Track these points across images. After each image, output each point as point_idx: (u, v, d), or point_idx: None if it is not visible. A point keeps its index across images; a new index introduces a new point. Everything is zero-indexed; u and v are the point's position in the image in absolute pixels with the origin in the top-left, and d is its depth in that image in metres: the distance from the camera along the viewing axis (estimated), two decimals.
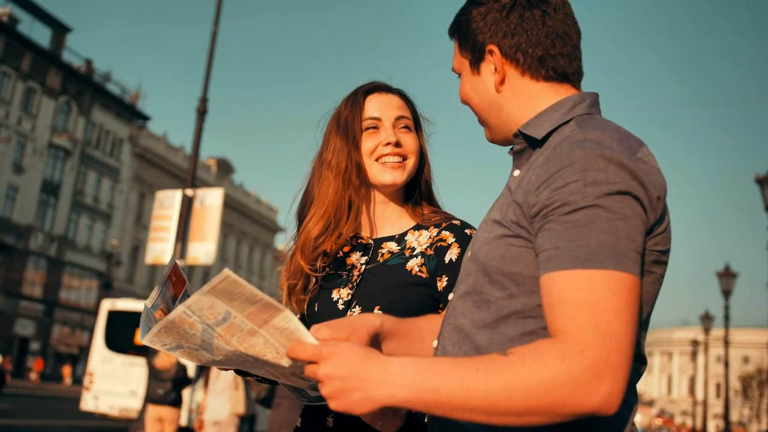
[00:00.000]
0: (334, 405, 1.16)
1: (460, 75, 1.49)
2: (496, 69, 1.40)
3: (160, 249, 13.65)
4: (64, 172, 39.99)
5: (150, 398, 9.67)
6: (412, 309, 1.69)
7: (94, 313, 34.68)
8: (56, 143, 39.13)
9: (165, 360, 9.55)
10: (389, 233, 1.89)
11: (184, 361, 9.54)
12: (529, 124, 1.36)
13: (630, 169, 1.16)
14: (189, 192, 13.11)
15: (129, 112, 44.79)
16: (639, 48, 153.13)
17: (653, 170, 1.22)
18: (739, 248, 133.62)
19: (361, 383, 1.14)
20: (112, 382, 14.46)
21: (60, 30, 40.88)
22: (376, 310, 1.72)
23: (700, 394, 72.75)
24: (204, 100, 13.25)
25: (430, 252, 1.80)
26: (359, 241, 1.91)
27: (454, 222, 1.85)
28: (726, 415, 31.75)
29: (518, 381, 1.08)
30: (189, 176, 13.29)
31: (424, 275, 1.77)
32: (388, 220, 1.91)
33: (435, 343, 1.41)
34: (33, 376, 35.03)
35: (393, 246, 1.85)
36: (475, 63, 1.43)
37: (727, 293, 26.60)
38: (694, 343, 54.61)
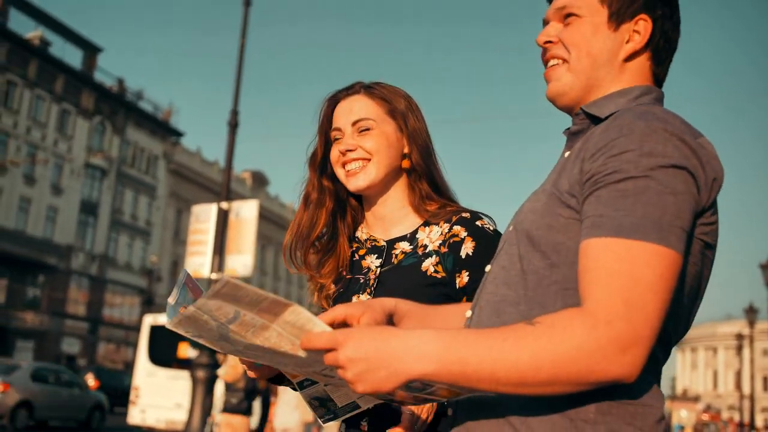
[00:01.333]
0: (360, 388, 1.13)
1: (570, 17, 1.39)
2: (630, 39, 1.35)
3: (198, 263, 13.77)
4: (101, 191, 40.66)
5: (224, 407, 10.31)
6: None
7: (137, 328, 35.09)
8: (92, 163, 39.83)
9: (232, 373, 10.07)
10: (400, 233, 1.87)
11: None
12: (593, 105, 1.34)
13: (690, 145, 1.15)
14: (224, 205, 13.23)
15: (162, 128, 45.38)
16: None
17: (713, 156, 1.20)
18: None
19: (384, 360, 1.11)
20: (157, 395, 14.67)
21: (91, 51, 41.59)
22: None
23: (746, 388, 71.27)
24: (235, 113, 13.36)
25: (444, 250, 1.78)
26: (373, 243, 1.90)
27: (464, 215, 1.82)
28: None
29: (547, 350, 1.07)
30: (224, 189, 13.42)
31: (440, 275, 1.76)
32: (393, 219, 1.89)
33: (468, 313, 1.39)
34: None
35: (405, 246, 1.84)
36: (618, 18, 1.35)
37: None
38: (739, 336, 53.53)
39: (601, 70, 1.36)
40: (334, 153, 1.86)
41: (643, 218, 1.11)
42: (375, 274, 1.84)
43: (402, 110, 1.87)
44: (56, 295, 37.07)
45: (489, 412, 1.24)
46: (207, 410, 11.13)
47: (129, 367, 35.82)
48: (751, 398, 45.08)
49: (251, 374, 1.62)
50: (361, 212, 1.96)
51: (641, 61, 1.37)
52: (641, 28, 1.35)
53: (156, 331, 15.41)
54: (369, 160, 1.82)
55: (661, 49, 1.37)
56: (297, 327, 1.19)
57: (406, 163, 1.86)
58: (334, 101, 1.90)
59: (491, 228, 1.81)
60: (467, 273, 1.75)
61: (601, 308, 1.08)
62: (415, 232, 1.85)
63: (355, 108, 1.85)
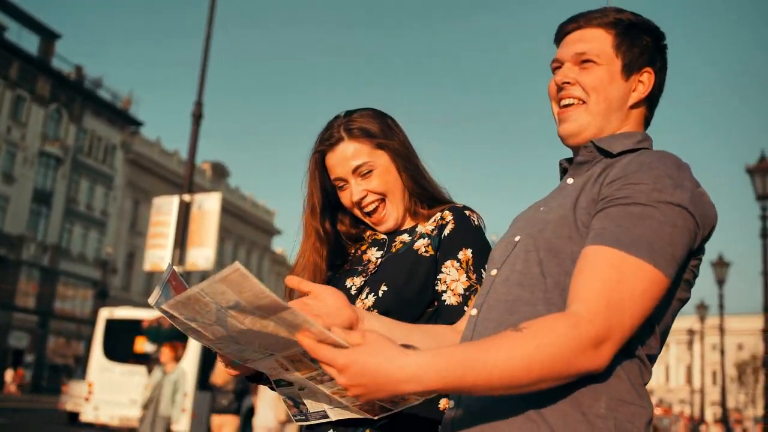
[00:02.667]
0: (362, 401, 1.26)
1: (587, 62, 1.52)
2: (635, 89, 1.52)
3: (158, 255, 13.56)
4: (55, 181, 39.84)
5: (214, 408, 11.17)
6: (415, 282, 1.83)
7: (90, 322, 34.55)
8: (47, 151, 38.99)
9: (223, 375, 10.50)
10: (401, 228, 1.99)
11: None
12: (603, 141, 1.49)
13: (695, 196, 1.32)
14: (186, 197, 13.05)
15: (121, 118, 44.67)
16: None
17: (710, 204, 1.36)
18: (731, 238, 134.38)
19: (383, 386, 1.19)
20: (112, 391, 14.39)
21: (48, 37, 40.72)
22: (382, 287, 1.83)
23: (697, 383, 73.10)
24: (199, 104, 13.20)
25: (434, 233, 1.90)
26: (375, 238, 2.01)
27: (456, 205, 1.94)
28: (723, 402, 31.91)
29: (537, 353, 1.18)
30: (186, 181, 13.23)
31: (429, 253, 1.87)
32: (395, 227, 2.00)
33: (474, 311, 1.48)
34: (12, 388, 33.66)
35: (405, 237, 1.95)
36: (629, 70, 1.51)
37: (720, 282, 26.76)
38: (690, 332, 54.85)
39: (614, 115, 1.51)
40: (346, 201, 1.97)
41: (640, 237, 1.26)
42: (375, 264, 1.94)
43: (382, 138, 1.95)
44: (4, 286, 36.18)
45: (498, 403, 1.31)
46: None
47: (80, 361, 35.25)
48: (702, 392, 46.28)
49: (230, 372, 1.67)
50: (360, 226, 2.07)
51: (641, 109, 1.55)
52: (645, 79, 1.53)
53: (112, 325, 15.12)
54: (384, 197, 1.94)
55: (655, 98, 1.57)
56: (294, 325, 1.24)
57: (405, 184, 1.97)
58: (320, 155, 1.97)
59: (475, 221, 1.91)
60: (440, 252, 1.87)
61: (585, 307, 1.21)
62: (415, 226, 1.97)
63: (348, 155, 1.93)
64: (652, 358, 1.37)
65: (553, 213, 1.42)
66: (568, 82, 1.52)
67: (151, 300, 1.45)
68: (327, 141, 1.96)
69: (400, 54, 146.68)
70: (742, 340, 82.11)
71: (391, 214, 1.94)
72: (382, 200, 1.94)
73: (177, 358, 10.45)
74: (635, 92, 1.52)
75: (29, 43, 39.18)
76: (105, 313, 15.66)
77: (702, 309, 38.69)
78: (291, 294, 1.87)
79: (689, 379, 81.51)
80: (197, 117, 13.05)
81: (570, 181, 1.50)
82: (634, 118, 1.54)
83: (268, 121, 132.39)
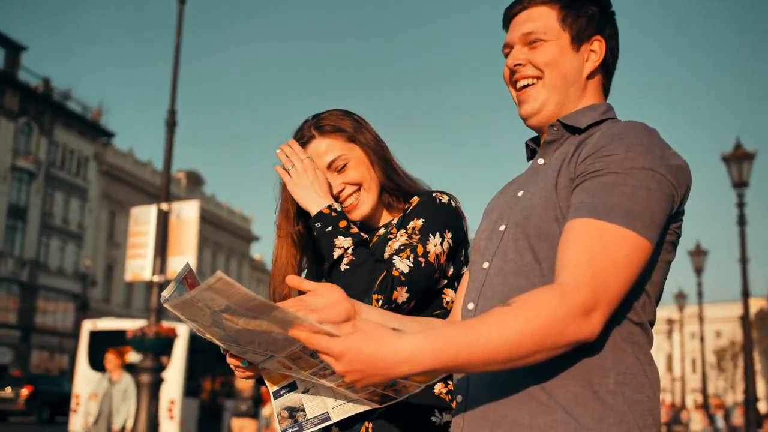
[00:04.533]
0: (360, 386, 1.26)
1: (536, 42, 1.52)
2: (588, 59, 1.52)
3: (138, 266, 13.51)
4: (30, 195, 39.34)
5: (234, 413, 12.16)
6: None
7: (72, 335, 34.26)
8: (19, 166, 38.51)
9: (243, 382, 10.90)
10: (379, 224, 2.04)
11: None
12: (569, 117, 1.50)
13: (667, 157, 1.33)
14: (164, 206, 13.03)
15: (92, 129, 44.16)
16: None
17: (685, 167, 1.37)
18: (709, 226, 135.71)
19: (378, 370, 1.21)
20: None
21: (14, 49, 40.14)
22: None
23: (677, 371, 73.75)
24: (172, 113, 13.09)
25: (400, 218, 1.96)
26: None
27: (429, 190, 1.98)
28: (704, 389, 32.28)
29: (527, 326, 1.19)
30: (163, 191, 13.19)
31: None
32: (375, 216, 2.03)
33: (471, 305, 1.47)
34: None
35: (381, 231, 2.00)
36: (578, 41, 1.52)
37: (699, 271, 27.09)
38: (669, 321, 55.32)
39: (571, 88, 1.52)
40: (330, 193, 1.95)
41: (617, 205, 1.27)
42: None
43: (353, 132, 1.98)
44: None
45: (508, 390, 1.33)
46: (153, 415, 10.96)
47: (65, 374, 34.93)
48: (682, 380, 46.69)
49: (239, 374, 1.68)
50: None
51: (597, 78, 1.55)
52: (597, 47, 1.53)
53: (96, 336, 15.07)
54: (359, 189, 1.96)
55: (610, 65, 1.56)
56: (285, 323, 1.27)
57: (379, 179, 1.99)
58: (303, 143, 1.98)
59: (444, 200, 1.92)
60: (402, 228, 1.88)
61: (571, 277, 1.23)
62: (392, 220, 2.02)
63: (321, 151, 1.96)
64: (651, 323, 1.39)
65: (536, 197, 1.42)
66: (520, 64, 1.53)
67: (165, 293, 1.46)
68: (299, 141, 1.98)
69: (368, 62, 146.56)
70: (720, 327, 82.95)
71: (365, 201, 1.96)
72: (358, 190, 1.96)
73: (123, 365, 10.11)
74: (588, 62, 1.52)
75: None
76: (88, 325, 15.62)
77: (681, 298, 38.98)
78: (274, 295, 1.94)
79: (670, 368, 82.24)
80: (171, 125, 12.98)
81: (541, 161, 1.52)
82: (593, 89, 1.54)
83: (240, 129, 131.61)
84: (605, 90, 1.58)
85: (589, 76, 1.53)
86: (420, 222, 1.87)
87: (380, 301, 1.75)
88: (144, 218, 13.91)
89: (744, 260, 15.43)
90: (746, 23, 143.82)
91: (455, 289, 1.90)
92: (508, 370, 1.25)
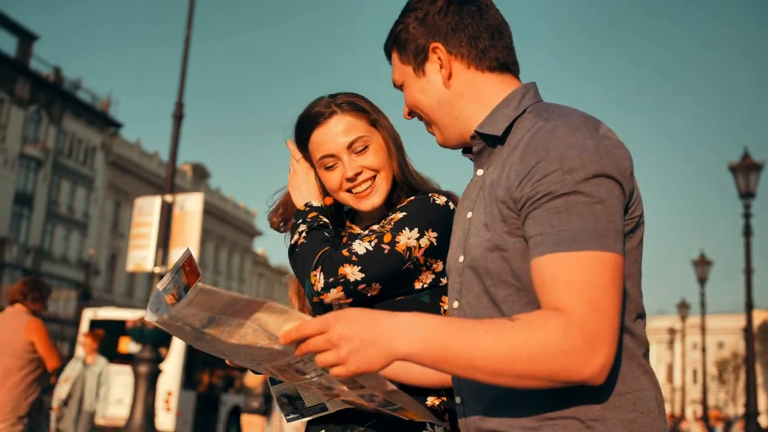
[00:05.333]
0: (352, 367, 1.19)
1: (402, 87, 1.54)
2: (441, 66, 1.45)
3: (141, 256, 13.54)
4: (36, 183, 39.45)
5: (244, 409, 12.35)
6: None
7: (73, 323, 34.27)
8: (28, 153, 38.61)
9: (255, 379, 11.04)
10: (374, 220, 1.94)
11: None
12: (485, 124, 1.42)
13: (602, 150, 1.24)
14: (168, 198, 13.04)
15: (101, 119, 44.25)
16: (606, 34, 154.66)
17: (618, 144, 1.29)
18: (713, 236, 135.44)
19: (376, 337, 1.19)
20: None
21: (26, 38, 40.26)
22: None
23: (678, 381, 73.54)
24: (180, 105, 13.14)
25: None
26: (351, 233, 1.97)
27: (435, 189, 1.90)
28: (704, 400, 32.18)
29: (524, 346, 1.15)
30: (168, 182, 13.22)
31: None
32: (373, 216, 1.94)
33: None
34: None
35: (375, 227, 1.86)
36: (419, 65, 1.48)
37: (702, 281, 27.02)
38: (671, 331, 55.20)
39: (451, 108, 1.46)
40: (335, 181, 1.86)
41: (580, 230, 1.20)
42: None
43: (374, 115, 1.89)
44: None
45: (504, 414, 1.30)
46: (150, 406, 10.95)
47: (65, 362, 34.96)
48: (682, 390, 46.60)
49: (229, 362, 1.66)
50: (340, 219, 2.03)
51: (473, 74, 1.45)
52: (438, 54, 1.46)
53: (96, 325, 15.08)
54: (375, 177, 1.86)
55: (473, 51, 1.45)
56: (273, 320, 1.23)
57: (395, 169, 1.90)
58: (303, 138, 1.90)
59: (438, 201, 1.83)
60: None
61: (570, 312, 1.17)
62: (387, 214, 1.89)
63: (341, 129, 1.84)
64: (641, 315, 1.35)
65: (481, 231, 1.36)
66: (410, 112, 1.55)
67: (159, 286, 1.39)
68: (315, 118, 1.86)
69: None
70: (723, 338, 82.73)
71: (379, 190, 1.86)
72: (374, 177, 1.86)
73: (98, 349, 9.91)
74: (441, 71, 1.46)
75: (6, 44, 38.81)
76: (89, 314, 15.67)
77: (683, 308, 38.88)
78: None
79: (670, 378, 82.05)
80: (178, 118, 13.01)
81: (480, 172, 1.46)
82: (483, 82, 1.46)
83: (248, 123, 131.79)
84: (505, 67, 1.48)
85: (461, 79, 1.46)
86: (399, 215, 1.80)
87: (320, 275, 1.70)
88: (148, 209, 13.93)
89: (749, 271, 15.37)
90: (757, 32, 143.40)
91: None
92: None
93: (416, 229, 1.77)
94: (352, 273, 1.70)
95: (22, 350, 5.44)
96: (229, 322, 1.24)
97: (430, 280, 1.82)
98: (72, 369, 9.66)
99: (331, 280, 1.70)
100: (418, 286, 1.81)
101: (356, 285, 1.71)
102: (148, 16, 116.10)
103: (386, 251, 1.73)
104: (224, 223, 55.72)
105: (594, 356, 1.15)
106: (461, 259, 1.41)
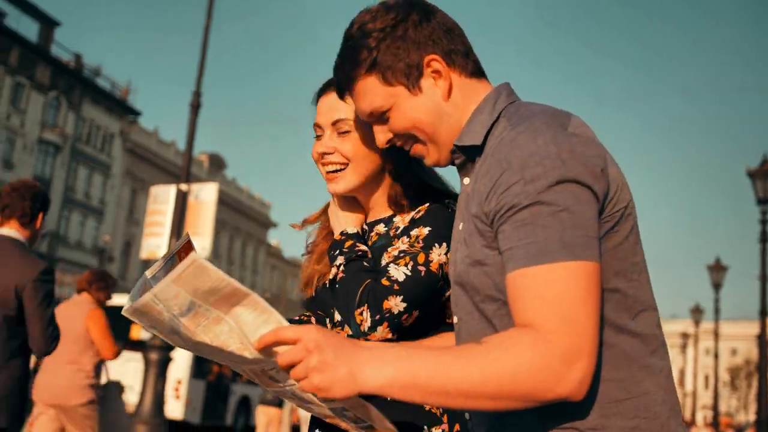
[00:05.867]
0: (316, 380, 1.16)
1: (386, 113, 1.44)
2: (438, 78, 1.40)
3: (154, 244, 13.61)
4: (54, 168, 39.78)
5: (261, 401, 12.62)
6: None
7: None
8: (46, 138, 38.93)
9: None
10: (379, 215, 1.88)
11: None
12: (464, 134, 1.38)
13: (565, 153, 1.19)
14: (183, 187, 13.08)
15: (119, 107, 44.55)
16: (622, 36, 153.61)
17: (588, 141, 1.24)
18: (729, 241, 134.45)
19: (347, 356, 1.16)
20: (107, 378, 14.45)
21: (48, 24, 40.59)
22: None
23: (689, 386, 73.20)
24: (197, 95, 13.15)
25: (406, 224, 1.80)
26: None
27: (449, 191, 1.84)
28: (715, 406, 31.98)
29: (493, 367, 1.12)
30: (183, 171, 13.25)
31: None
32: (374, 206, 1.88)
33: None
34: None
35: (381, 227, 1.85)
36: (414, 82, 1.40)
37: (717, 286, 26.79)
38: (684, 335, 54.91)
39: (443, 124, 1.41)
40: (314, 151, 1.83)
41: (546, 241, 1.16)
42: None
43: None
44: None
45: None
46: (159, 393, 10.99)
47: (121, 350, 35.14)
48: (693, 396, 46.36)
49: None
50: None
51: (464, 81, 1.42)
52: (434, 67, 1.40)
53: (107, 312, 15.15)
54: (347, 164, 1.79)
55: (459, 57, 1.42)
56: (252, 322, 1.21)
57: (388, 166, 1.82)
58: (319, 93, 1.85)
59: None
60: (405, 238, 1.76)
61: (541, 328, 1.13)
62: (394, 215, 1.85)
63: (335, 105, 1.78)
64: (646, 310, 1.29)
65: (462, 247, 1.34)
66: (391, 139, 1.48)
67: (149, 272, 1.33)
68: (327, 85, 1.83)
69: None
70: (736, 345, 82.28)
71: (343, 180, 1.80)
72: (345, 165, 1.79)
73: None
74: (437, 86, 1.41)
75: (29, 29, 39.11)
76: None
77: (697, 313, 38.66)
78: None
79: (682, 383, 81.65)
80: (195, 107, 13.02)
81: (466, 181, 1.42)
82: (472, 91, 1.42)
83: (266, 115, 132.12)
84: (481, 71, 1.45)
85: (458, 89, 1.42)
86: (425, 231, 1.73)
87: (366, 314, 1.65)
88: (163, 197, 13.99)
89: (764, 278, 15.23)
90: None
91: None
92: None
93: (444, 244, 1.71)
94: (396, 305, 1.65)
95: (81, 336, 5.76)
96: (207, 314, 1.20)
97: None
98: None
99: (378, 317, 1.65)
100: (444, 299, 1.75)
101: (400, 317, 1.66)
102: (168, 5, 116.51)
103: (423, 273, 1.68)
104: (239, 214, 55.93)
105: (568, 372, 1.11)
106: (453, 270, 1.40)
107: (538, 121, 1.24)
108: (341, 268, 1.74)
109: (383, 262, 1.73)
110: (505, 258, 1.21)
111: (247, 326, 1.22)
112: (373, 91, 1.43)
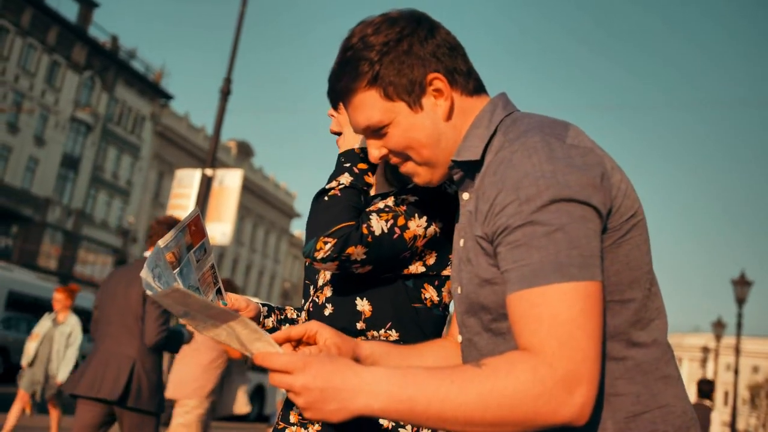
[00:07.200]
0: (308, 414, 1.16)
1: (382, 129, 1.40)
2: (439, 97, 1.37)
3: None
4: (84, 147, 40.25)
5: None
6: None
7: None
8: (78, 117, 39.38)
9: None
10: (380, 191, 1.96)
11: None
12: (461, 150, 1.36)
13: (560, 171, 1.16)
14: (208, 172, 13.16)
15: (152, 89, 44.93)
16: (639, 49, 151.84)
17: (587, 151, 1.21)
18: (756, 256, 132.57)
19: (337, 393, 1.13)
20: None
21: (87, 4, 41.03)
22: None
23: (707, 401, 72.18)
24: (228, 81, 13.26)
25: None
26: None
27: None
28: (732, 423, 31.58)
29: (492, 393, 1.09)
30: (209, 156, 13.34)
31: None
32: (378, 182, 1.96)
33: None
34: None
35: (391, 202, 1.89)
36: (416, 99, 1.36)
37: (741, 301, 26.44)
38: (705, 349, 54.30)
39: (439, 148, 1.38)
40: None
41: (540, 263, 1.12)
42: None
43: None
44: (28, 247, 36.67)
45: None
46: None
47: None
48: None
49: None
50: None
51: (464, 100, 1.39)
52: (436, 86, 1.36)
53: None
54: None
55: (461, 77, 1.39)
56: (246, 336, 1.25)
57: None
58: None
59: (452, 191, 1.81)
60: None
61: (539, 352, 1.10)
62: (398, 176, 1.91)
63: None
64: (655, 318, 1.26)
65: (468, 267, 1.31)
66: (385, 155, 1.44)
67: (161, 242, 1.39)
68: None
69: None
70: (758, 362, 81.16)
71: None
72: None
73: (71, 307, 8.82)
74: (438, 106, 1.37)
75: (68, 9, 39.58)
76: None
77: (719, 327, 38.19)
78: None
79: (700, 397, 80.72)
80: (225, 93, 13.12)
81: (465, 196, 1.39)
82: (470, 111, 1.39)
83: (295, 106, 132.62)
84: (481, 88, 1.42)
85: (459, 109, 1.38)
86: (412, 198, 1.77)
87: (329, 245, 1.69)
88: (187, 181, 14.09)
89: None
90: None
91: (435, 286, 1.83)
92: None
93: (425, 218, 1.75)
94: (357, 253, 1.70)
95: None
96: (204, 320, 1.26)
97: (420, 271, 1.81)
98: (41, 326, 8.67)
99: (335, 256, 1.69)
100: (405, 272, 1.80)
101: (353, 263, 1.71)
102: None
103: (395, 236, 1.72)
104: (264, 202, 56.18)
105: (569, 397, 1.07)
106: (459, 290, 1.36)
107: (533, 138, 1.20)
108: (340, 187, 1.78)
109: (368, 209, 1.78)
110: (504, 280, 1.19)
111: (241, 336, 1.26)
112: (371, 105, 1.39)
